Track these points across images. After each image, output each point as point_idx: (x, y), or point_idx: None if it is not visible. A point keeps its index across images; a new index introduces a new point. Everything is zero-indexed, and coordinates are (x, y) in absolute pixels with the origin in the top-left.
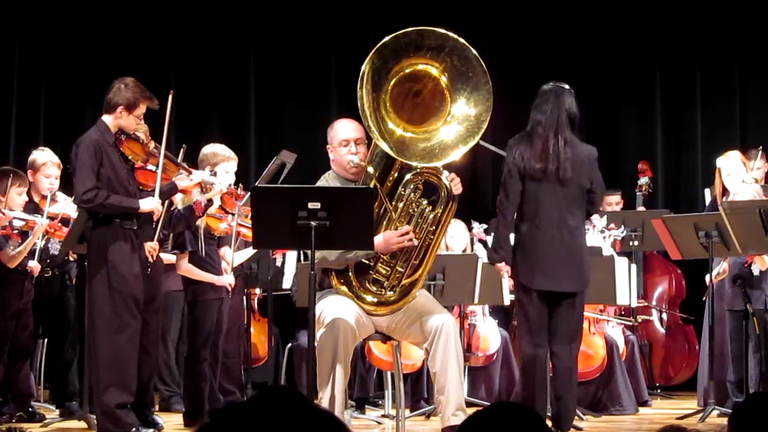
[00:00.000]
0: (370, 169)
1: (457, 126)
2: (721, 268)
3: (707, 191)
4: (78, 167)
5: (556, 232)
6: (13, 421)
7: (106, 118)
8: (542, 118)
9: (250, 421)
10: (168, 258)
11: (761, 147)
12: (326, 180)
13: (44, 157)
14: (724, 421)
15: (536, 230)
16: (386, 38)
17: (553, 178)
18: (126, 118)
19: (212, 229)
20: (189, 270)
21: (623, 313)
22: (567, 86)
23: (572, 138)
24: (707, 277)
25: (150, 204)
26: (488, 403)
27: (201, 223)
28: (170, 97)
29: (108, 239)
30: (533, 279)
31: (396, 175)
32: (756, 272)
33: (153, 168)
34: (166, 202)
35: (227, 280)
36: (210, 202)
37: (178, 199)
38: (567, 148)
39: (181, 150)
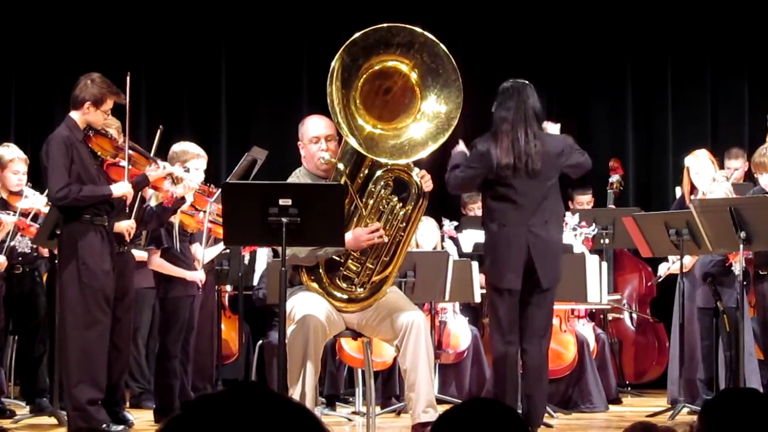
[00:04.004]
0: (341, 166)
1: (426, 123)
2: (685, 261)
3: (678, 189)
4: (50, 165)
5: (525, 229)
6: None
7: (74, 115)
8: (507, 114)
9: (223, 413)
10: (140, 255)
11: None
12: (297, 177)
13: (11, 153)
14: (694, 418)
15: (504, 229)
16: (356, 35)
17: (522, 173)
18: (93, 114)
19: (185, 225)
20: (160, 265)
21: (594, 311)
22: (527, 82)
23: (539, 132)
24: (661, 268)
25: (122, 188)
26: (459, 401)
27: (175, 219)
28: (128, 78)
29: (79, 235)
30: (502, 278)
31: (366, 171)
32: (737, 271)
33: (124, 164)
34: (138, 198)
35: (198, 276)
36: (183, 199)
37: (151, 194)
38: (536, 141)
39: (158, 131)
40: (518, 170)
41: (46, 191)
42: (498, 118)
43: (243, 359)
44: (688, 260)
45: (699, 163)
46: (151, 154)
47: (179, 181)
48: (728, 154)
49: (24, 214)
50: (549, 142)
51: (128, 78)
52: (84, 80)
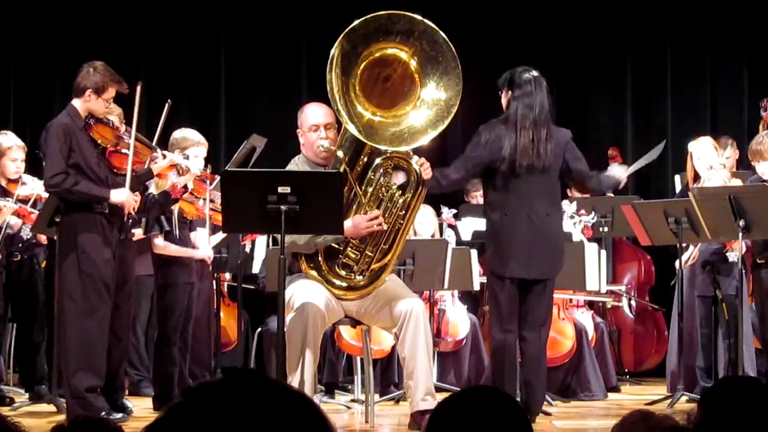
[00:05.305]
0: (340, 154)
1: (426, 110)
2: (690, 255)
3: (677, 177)
4: (47, 152)
5: (527, 219)
6: None
7: (76, 103)
8: (529, 112)
9: (223, 400)
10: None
11: (730, 139)
12: (296, 164)
13: (9, 141)
14: (693, 406)
15: (507, 218)
16: (355, 22)
17: (535, 172)
18: (95, 102)
19: (185, 212)
20: (165, 247)
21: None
22: (538, 72)
23: (552, 127)
24: (677, 263)
25: (120, 196)
26: (457, 389)
27: (174, 206)
28: (139, 87)
29: (78, 223)
30: (505, 267)
31: (366, 159)
32: (732, 258)
33: (126, 152)
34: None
35: (205, 253)
36: (185, 188)
37: (153, 184)
38: (551, 140)
39: (167, 105)
40: (534, 169)
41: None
42: (519, 114)
43: (242, 347)
44: (694, 251)
45: (701, 149)
46: (159, 129)
47: (185, 171)
48: (718, 142)
49: (23, 201)
50: (557, 137)
51: (139, 88)
52: (86, 68)
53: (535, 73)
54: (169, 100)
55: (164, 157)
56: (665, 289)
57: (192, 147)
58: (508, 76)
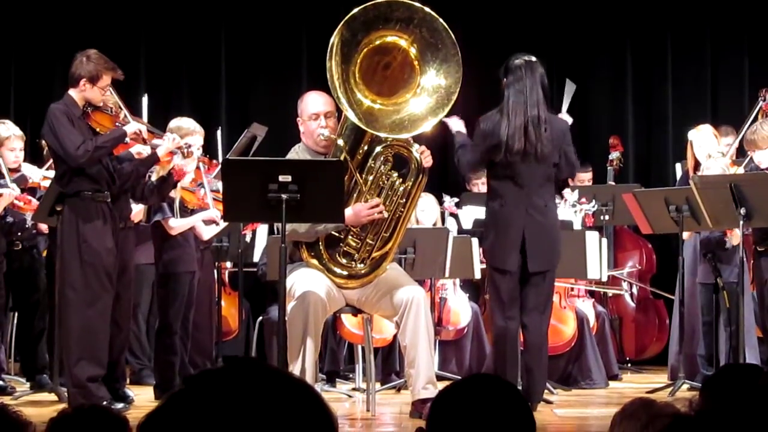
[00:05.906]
0: (340, 142)
1: (426, 98)
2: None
3: (678, 166)
4: (59, 133)
5: (525, 211)
6: None
7: (72, 92)
8: (520, 97)
9: (224, 388)
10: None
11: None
12: (296, 153)
13: (7, 130)
14: (694, 394)
15: (504, 209)
16: (355, 10)
17: (531, 159)
18: (90, 91)
19: (186, 201)
20: (181, 225)
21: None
22: (535, 58)
23: (548, 114)
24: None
25: (134, 126)
26: (459, 377)
27: (175, 195)
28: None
29: (79, 212)
30: (505, 260)
31: (366, 147)
32: (729, 245)
33: (127, 140)
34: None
35: (213, 213)
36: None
37: (154, 173)
38: (546, 125)
39: (144, 101)
40: (528, 155)
41: (47, 163)
42: (512, 101)
43: (243, 336)
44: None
45: (701, 137)
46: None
47: (189, 154)
48: (718, 132)
49: (22, 189)
50: (555, 125)
51: (145, 99)
52: (80, 57)
53: (527, 57)
54: (145, 95)
55: (172, 140)
56: (667, 277)
57: (187, 136)
58: (505, 63)
